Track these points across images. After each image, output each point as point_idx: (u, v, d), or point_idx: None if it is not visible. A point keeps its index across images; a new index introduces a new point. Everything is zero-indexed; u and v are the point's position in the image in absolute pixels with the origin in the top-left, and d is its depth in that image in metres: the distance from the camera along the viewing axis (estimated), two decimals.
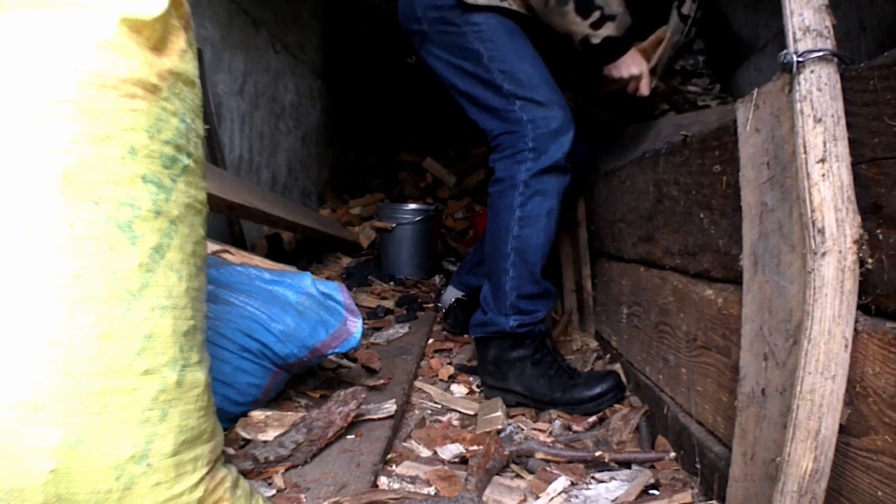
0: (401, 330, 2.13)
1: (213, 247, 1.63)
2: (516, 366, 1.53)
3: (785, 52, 0.68)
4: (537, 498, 1.03)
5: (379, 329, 2.17)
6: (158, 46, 0.71)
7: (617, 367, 1.60)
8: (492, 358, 1.58)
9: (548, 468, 1.12)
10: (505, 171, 1.54)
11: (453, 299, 2.14)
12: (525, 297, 1.54)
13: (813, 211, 0.65)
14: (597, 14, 1.48)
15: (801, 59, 0.67)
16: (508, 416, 1.44)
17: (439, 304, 2.27)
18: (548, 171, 1.51)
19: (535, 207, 1.52)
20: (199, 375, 0.73)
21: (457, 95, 1.63)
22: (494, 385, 1.57)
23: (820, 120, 0.65)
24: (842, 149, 0.65)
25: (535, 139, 1.50)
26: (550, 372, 1.51)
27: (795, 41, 0.68)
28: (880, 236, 0.63)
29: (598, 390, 1.44)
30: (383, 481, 1.07)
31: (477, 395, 1.63)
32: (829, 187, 0.64)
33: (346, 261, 3.38)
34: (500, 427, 1.34)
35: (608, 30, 1.50)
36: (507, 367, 1.54)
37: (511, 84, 1.51)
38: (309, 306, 1.29)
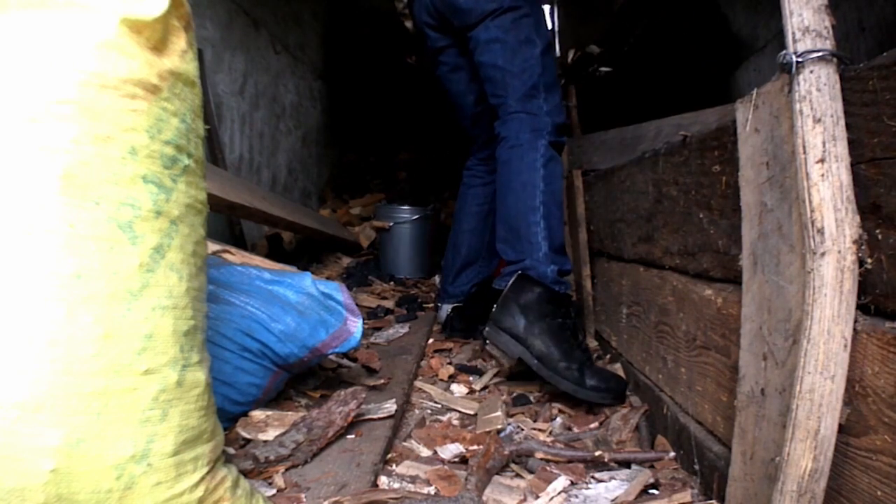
0: (401, 330, 2.13)
1: (213, 247, 1.63)
2: (547, 320, 1.49)
3: (784, 52, 0.69)
4: (537, 497, 1.03)
5: (379, 329, 2.17)
6: (159, 47, 0.71)
7: (617, 366, 1.61)
8: (525, 301, 1.52)
9: (548, 468, 1.12)
10: (522, 137, 1.69)
11: (450, 308, 2.15)
12: (555, 251, 1.60)
13: (812, 211, 0.65)
14: None
15: (800, 60, 0.67)
16: (508, 416, 1.44)
17: (437, 317, 2.28)
18: (557, 146, 1.73)
19: (555, 168, 1.69)
20: (199, 375, 0.73)
21: (491, 71, 1.75)
22: (505, 326, 1.50)
23: (819, 120, 0.65)
24: (841, 149, 0.65)
25: (553, 125, 1.71)
26: (574, 342, 1.50)
27: (795, 41, 0.68)
28: (879, 236, 0.63)
29: (605, 384, 1.43)
30: (383, 481, 1.07)
31: (477, 394, 1.63)
32: (828, 187, 0.64)
33: (346, 261, 3.38)
34: (500, 427, 1.34)
35: None
36: (540, 317, 1.49)
37: (545, 77, 1.71)
38: (309, 306, 1.29)
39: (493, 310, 1.57)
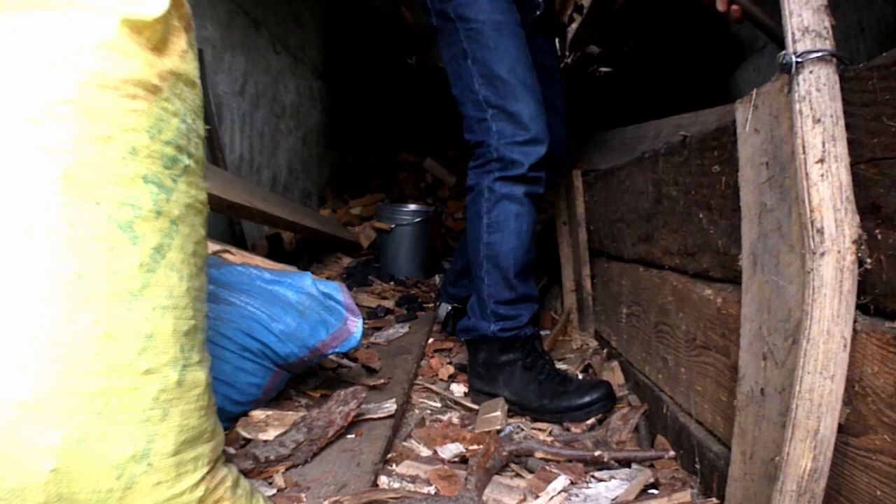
0: (401, 330, 2.13)
1: (213, 247, 1.63)
2: (506, 370, 1.51)
3: (784, 52, 0.69)
4: (537, 497, 1.03)
5: (379, 329, 2.17)
6: (159, 47, 0.71)
7: (615, 365, 1.61)
8: (482, 361, 1.56)
9: (547, 467, 1.12)
10: (474, 179, 1.57)
11: (449, 308, 2.15)
12: (503, 304, 1.53)
13: (812, 211, 0.65)
14: None
15: (799, 60, 0.67)
16: (508, 416, 1.44)
17: (437, 315, 2.28)
18: (513, 179, 1.50)
19: (502, 213, 1.51)
20: (199, 375, 0.73)
21: (457, 104, 1.63)
22: (482, 389, 1.54)
23: (819, 120, 0.65)
24: (840, 149, 0.65)
25: (498, 149, 1.49)
26: (541, 377, 1.49)
27: (794, 42, 0.68)
28: (879, 236, 0.63)
29: (587, 399, 1.41)
30: (383, 480, 1.07)
31: None
32: (827, 187, 0.65)
33: (346, 261, 3.38)
34: (499, 426, 1.34)
35: None
36: (497, 371, 1.52)
37: (487, 90, 1.49)
38: (309, 306, 1.29)
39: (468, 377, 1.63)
